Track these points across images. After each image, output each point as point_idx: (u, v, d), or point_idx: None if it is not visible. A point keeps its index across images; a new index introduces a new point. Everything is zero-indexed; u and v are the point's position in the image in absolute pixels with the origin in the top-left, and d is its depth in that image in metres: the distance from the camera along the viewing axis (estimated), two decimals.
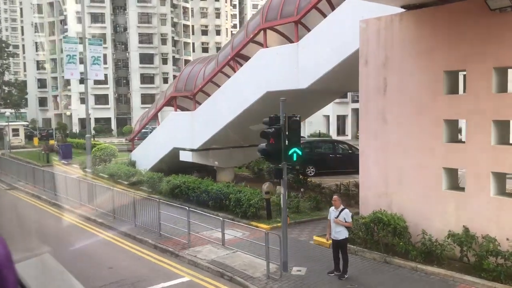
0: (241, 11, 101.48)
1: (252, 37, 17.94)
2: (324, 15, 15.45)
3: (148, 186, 20.65)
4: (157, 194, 19.98)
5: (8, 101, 64.01)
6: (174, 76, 72.57)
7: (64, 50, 22.74)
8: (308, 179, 21.42)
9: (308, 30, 16.13)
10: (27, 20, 76.40)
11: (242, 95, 18.17)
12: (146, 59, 69.03)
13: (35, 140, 49.91)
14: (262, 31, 17.39)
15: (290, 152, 10.30)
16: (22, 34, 76.82)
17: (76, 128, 67.95)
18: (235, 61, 19.19)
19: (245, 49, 19.00)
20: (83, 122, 68.38)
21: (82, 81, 70.69)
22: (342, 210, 10.10)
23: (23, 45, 78.64)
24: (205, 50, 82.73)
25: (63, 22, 72.07)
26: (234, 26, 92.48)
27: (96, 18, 67.66)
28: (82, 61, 28.16)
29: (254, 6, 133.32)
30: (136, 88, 69.49)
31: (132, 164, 25.15)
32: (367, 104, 12.30)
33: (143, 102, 69.54)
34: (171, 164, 23.35)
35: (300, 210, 15.75)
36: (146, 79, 69.39)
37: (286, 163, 10.42)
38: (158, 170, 23.16)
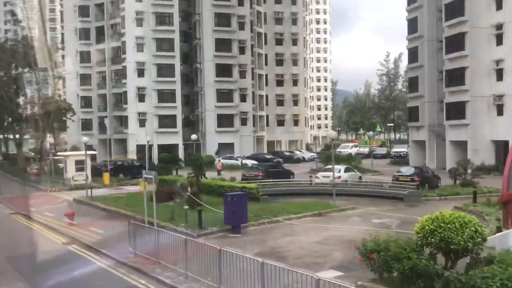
0: None
1: None
2: None
3: None
4: None
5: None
6: (254, 93, 58.43)
7: None
8: None
9: None
10: (69, 26, 62.50)
11: None
12: (223, 70, 54.99)
13: (105, 177, 35.09)
14: None
15: None
16: (62, 42, 63.11)
17: (132, 156, 53.15)
18: None
19: None
20: (141, 150, 53.59)
21: (142, 98, 56.78)
22: None
23: (62, 56, 64.71)
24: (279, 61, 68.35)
25: (115, 26, 58.22)
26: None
27: (163, 19, 53.79)
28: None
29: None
30: (210, 107, 55.09)
31: None
32: None
33: (219, 125, 55.06)
34: None
35: None
36: (224, 96, 55.16)
37: None
38: None
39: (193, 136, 36.99)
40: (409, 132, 53.10)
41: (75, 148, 58.56)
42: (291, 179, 32.58)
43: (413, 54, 46.25)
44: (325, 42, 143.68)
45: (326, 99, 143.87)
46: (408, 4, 46.45)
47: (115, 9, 57.55)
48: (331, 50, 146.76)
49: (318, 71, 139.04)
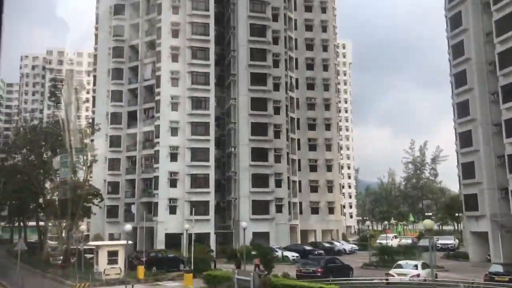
0: None
1: None
2: None
3: None
4: None
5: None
6: (288, 179, 55.51)
7: None
8: None
9: None
10: (100, 110, 62.02)
11: None
12: (258, 154, 52.78)
13: (140, 270, 31.13)
14: None
15: None
16: (93, 126, 62.31)
17: (160, 246, 49.07)
18: None
19: None
20: (171, 239, 49.77)
21: (174, 183, 53.98)
22: None
23: (91, 140, 63.58)
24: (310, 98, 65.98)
25: (148, 111, 57.37)
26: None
27: (198, 103, 52.88)
28: None
29: None
30: (244, 193, 51.97)
31: None
32: None
33: (253, 212, 51.50)
34: None
35: None
36: (259, 181, 52.26)
37: None
38: None
39: (243, 224, 33.19)
40: (465, 222, 48.63)
41: (98, 237, 54.95)
42: (356, 277, 28.23)
43: (465, 139, 43.43)
44: (347, 129, 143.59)
45: (350, 187, 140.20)
46: (456, 87, 44.70)
47: (149, 94, 57.17)
48: (353, 137, 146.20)
49: (341, 158, 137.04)
